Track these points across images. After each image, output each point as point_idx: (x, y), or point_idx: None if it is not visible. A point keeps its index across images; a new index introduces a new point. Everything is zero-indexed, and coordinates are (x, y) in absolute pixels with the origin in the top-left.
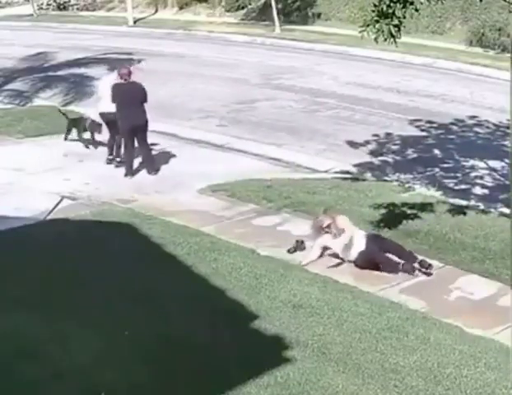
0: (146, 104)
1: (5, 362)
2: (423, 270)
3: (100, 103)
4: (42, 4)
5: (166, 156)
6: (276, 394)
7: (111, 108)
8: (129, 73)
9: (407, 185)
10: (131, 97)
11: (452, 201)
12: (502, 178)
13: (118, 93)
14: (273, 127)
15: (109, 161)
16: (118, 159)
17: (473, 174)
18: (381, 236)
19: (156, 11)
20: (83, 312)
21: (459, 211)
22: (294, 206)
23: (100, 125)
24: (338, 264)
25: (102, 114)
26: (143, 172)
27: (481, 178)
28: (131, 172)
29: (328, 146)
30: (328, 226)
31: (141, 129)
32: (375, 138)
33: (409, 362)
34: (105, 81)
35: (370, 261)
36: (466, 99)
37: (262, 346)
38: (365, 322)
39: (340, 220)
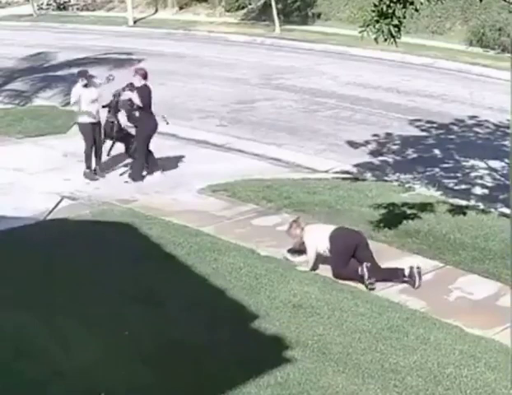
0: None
1: (5, 362)
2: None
3: (80, 113)
4: (42, 4)
5: (166, 157)
6: (277, 394)
7: (91, 118)
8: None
9: (407, 185)
10: (151, 100)
11: (452, 201)
12: (502, 178)
13: (147, 95)
14: (273, 127)
15: (95, 172)
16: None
17: (473, 174)
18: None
19: (156, 11)
20: (83, 312)
21: (459, 211)
22: (294, 206)
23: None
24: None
25: (83, 125)
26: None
27: (481, 178)
28: (141, 176)
29: (328, 146)
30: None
31: (155, 132)
32: (375, 138)
33: (409, 362)
34: (80, 91)
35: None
36: (466, 99)
37: (262, 346)
38: (365, 322)
39: (305, 232)
